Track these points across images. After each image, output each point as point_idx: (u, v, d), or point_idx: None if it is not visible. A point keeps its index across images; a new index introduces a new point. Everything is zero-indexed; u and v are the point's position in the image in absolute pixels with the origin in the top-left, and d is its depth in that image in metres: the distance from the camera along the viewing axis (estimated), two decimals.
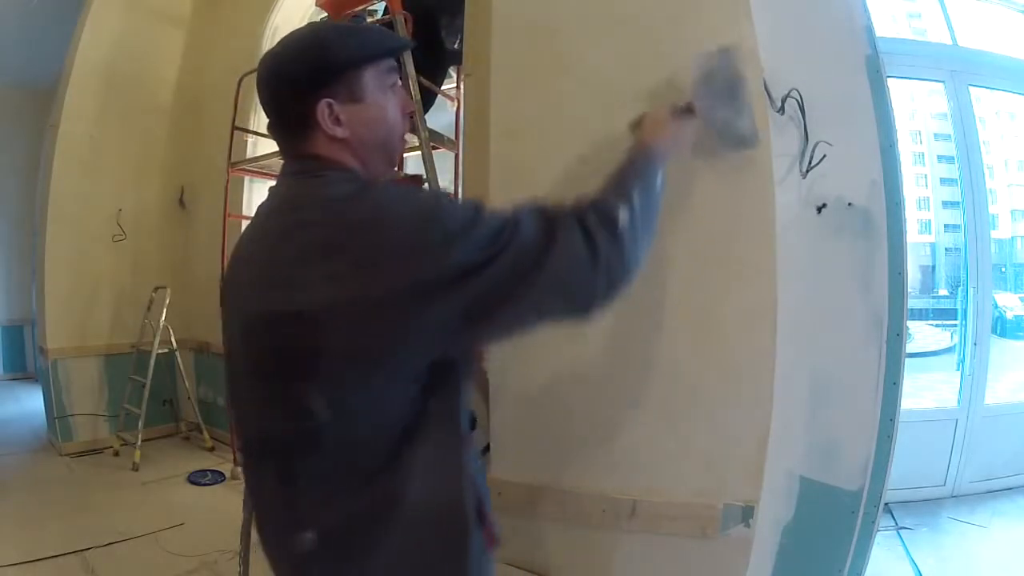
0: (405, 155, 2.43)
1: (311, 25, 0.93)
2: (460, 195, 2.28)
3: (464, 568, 0.78)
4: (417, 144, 2.17)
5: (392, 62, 0.85)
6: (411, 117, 0.90)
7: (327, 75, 0.78)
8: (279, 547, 0.80)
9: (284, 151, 0.84)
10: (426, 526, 0.75)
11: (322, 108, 0.77)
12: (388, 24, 2.19)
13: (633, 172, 0.90)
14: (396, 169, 0.90)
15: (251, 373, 0.79)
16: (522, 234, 0.72)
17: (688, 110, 1.11)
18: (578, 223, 0.76)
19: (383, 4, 2.45)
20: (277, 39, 3.53)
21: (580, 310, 0.78)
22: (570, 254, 0.73)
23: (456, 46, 2.42)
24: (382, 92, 0.82)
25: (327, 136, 0.78)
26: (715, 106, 1.13)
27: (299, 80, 0.78)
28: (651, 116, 1.09)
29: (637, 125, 1.11)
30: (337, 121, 0.78)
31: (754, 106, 1.18)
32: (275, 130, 0.83)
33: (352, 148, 0.80)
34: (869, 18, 1.60)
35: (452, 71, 2.60)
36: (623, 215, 0.80)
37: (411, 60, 2.03)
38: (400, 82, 0.88)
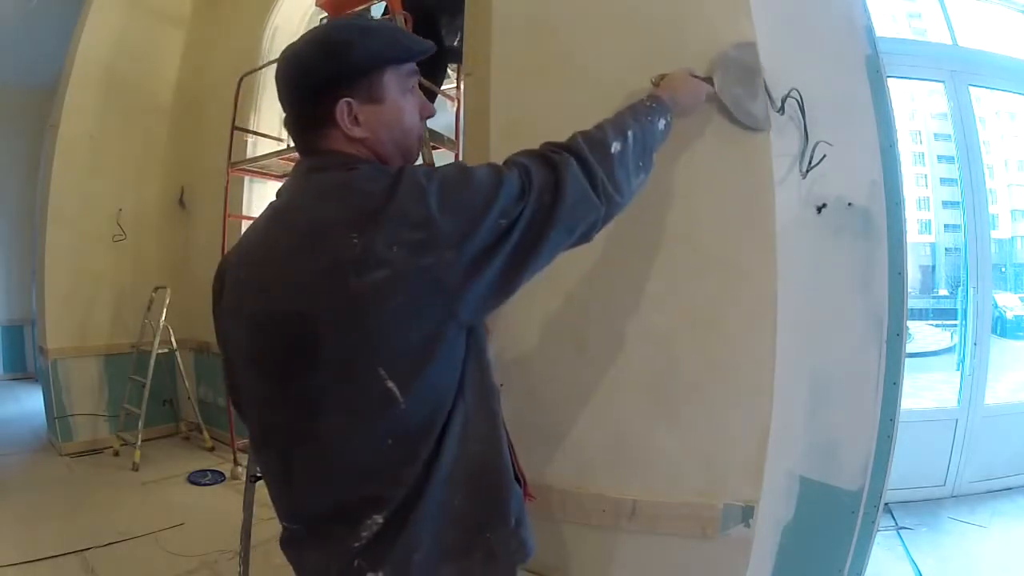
0: None
1: (333, 23, 0.94)
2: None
3: (507, 522, 0.81)
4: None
5: (413, 64, 0.85)
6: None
7: (348, 75, 0.78)
8: (327, 537, 0.78)
9: (300, 147, 0.84)
10: (464, 478, 0.77)
11: (341, 108, 0.78)
12: None
13: (631, 110, 0.97)
14: None
15: (289, 372, 0.75)
16: (535, 182, 0.77)
17: (707, 79, 1.19)
18: (571, 154, 0.82)
19: (383, 4, 2.45)
20: (277, 39, 3.52)
21: (587, 232, 0.84)
22: (574, 184, 0.79)
23: (456, 44, 2.42)
24: (402, 94, 0.83)
25: (345, 135, 0.79)
26: (731, 84, 1.21)
27: (319, 79, 0.79)
28: (668, 75, 1.15)
29: (657, 82, 1.17)
30: (355, 121, 0.79)
31: (767, 98, 1.25)
32: (292, 126, 0.84)
33: (370, 147, 0.81)
34: (869, 18, 1.60)
35: (452, 69, 2.60)
36: (616, 143, 0.87)
37: None
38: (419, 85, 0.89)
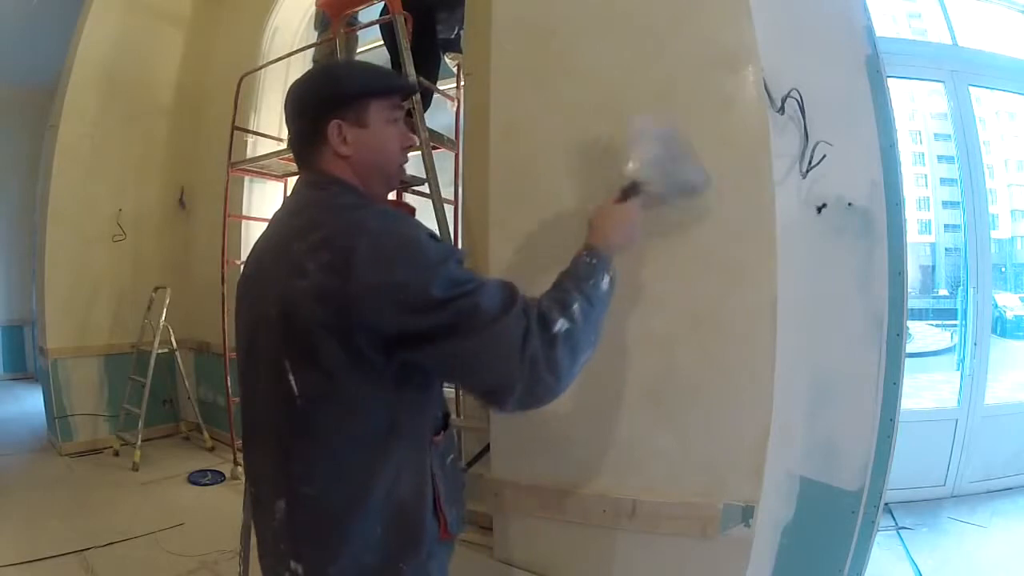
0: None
1: (338, 61, 1.08)
2: (459, 196, 2.28)
3: (419, 555, 0.89)
4: (417, 144, 2.17)
5: (397, 100, 0.97)
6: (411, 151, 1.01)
7: (339, 100, 0.92)
8: (265, 519, 0.92)
9: (299, 164, 0.97)
10: (388, 518, 0.86)
11: (332, 127, 0.90)
12: (388, 24, 2.19)
13: (573, 275, 0.93)
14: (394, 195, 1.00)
15: (261, 360, 0.89)
16: (482, 295, 0.79)
17: (632, 188, 1.08)
18: (526, 315, 0.81)
19: (382, 4, 2.46)
20: (277, 39, 3.53)
21: (496, 392, 0.83)
22: (506, 336, 0.79)
23: (453, 36, 2.42)
24: (384, 124, 0.95)
25: (334, 152, 0.91)
26: (663, 171, 1.09)
27: (317, 102, 0.93)
28: (597, 211, 1.06)
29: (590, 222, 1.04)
30: (344, 141, 0.91)
31: (691, 150, 1.14)
32: (293, 144, 0.97)
33: (354, 167, 0.92)
34: (869, 18, 1.60)
35: (451, 62, 2.60)
36: (560, 324, 0.84)
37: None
38: (404, 119, 1.00)
